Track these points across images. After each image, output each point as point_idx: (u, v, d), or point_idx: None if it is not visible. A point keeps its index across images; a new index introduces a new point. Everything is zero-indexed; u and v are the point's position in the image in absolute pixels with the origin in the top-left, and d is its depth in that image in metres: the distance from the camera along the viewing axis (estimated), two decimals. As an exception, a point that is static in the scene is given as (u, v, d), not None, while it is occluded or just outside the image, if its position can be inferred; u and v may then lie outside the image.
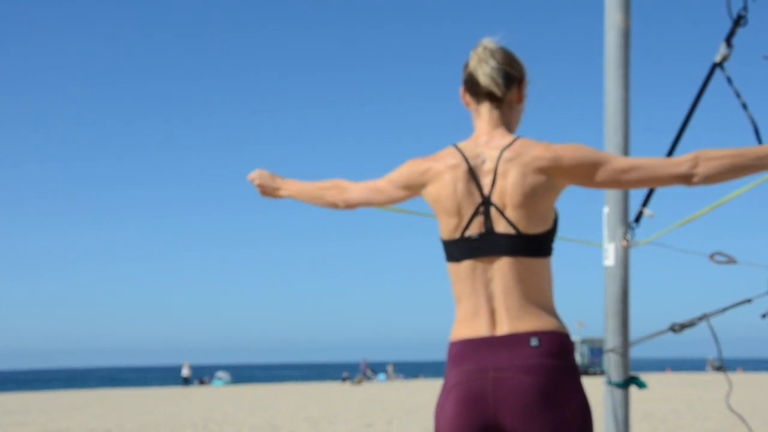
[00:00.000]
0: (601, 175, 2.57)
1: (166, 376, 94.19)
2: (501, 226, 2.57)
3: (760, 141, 3.85)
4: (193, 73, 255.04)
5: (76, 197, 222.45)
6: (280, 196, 3.12)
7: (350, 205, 2.93)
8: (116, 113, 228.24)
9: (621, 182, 2.57)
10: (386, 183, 2.83)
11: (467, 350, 2.57)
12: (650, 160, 2.57)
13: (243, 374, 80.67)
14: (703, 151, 2.53)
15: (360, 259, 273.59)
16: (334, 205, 2.96)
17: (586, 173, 2.59)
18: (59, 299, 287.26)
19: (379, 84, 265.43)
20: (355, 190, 2.90)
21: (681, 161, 2.53)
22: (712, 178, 2.50)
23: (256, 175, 3.14)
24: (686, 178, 2.52)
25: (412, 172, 2.74)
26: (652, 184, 2.57)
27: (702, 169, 2.51)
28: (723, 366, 4.34)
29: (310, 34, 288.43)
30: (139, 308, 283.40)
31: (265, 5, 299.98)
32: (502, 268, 2.56)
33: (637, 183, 2.56)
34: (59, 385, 66.58)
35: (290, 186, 3.10)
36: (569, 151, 2.59)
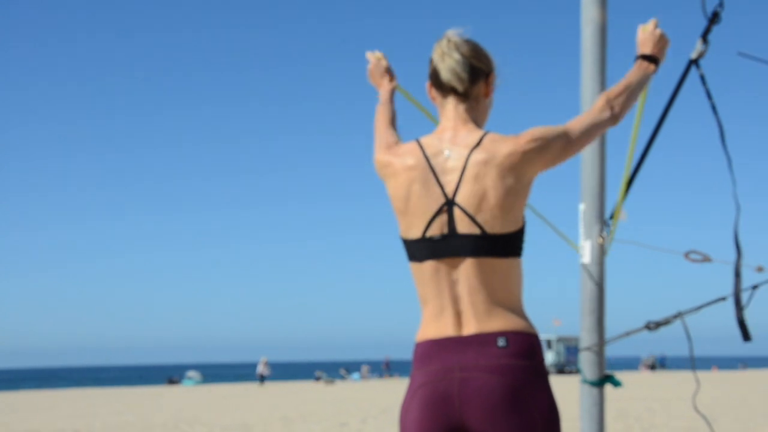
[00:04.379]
0: (565, 147, 2.57)
1: (148, 375, 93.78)
2: (465, 227, 2.49)
3: (724, 144, 3.85)
4: (193, 72, 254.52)
5: (77, 197, 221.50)
6: (380, 89, 3.09)
7: None
8: (116, 112, 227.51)
9: (575, 148, 2.61)
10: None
11: (433, 351, 2.51)
12: (584, 118, 2.65)
13: (213, 373, 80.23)
14: (606, 93, 2.69)
15: (338, 257, 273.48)
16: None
17: (556, 154, 2.56)
18: (58, 299, 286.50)
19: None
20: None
21: (603, 107, 2.66)
22: (624, 113, 2.69)
23: (378, 58, 3.13)
24: (613, 120, 2.67)
25: (379, 162, 2.70)
26: (593, 137, 2.66)
27: (618, 109, 2.67)
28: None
29: (309, 32, 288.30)
30: (131, 307, 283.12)
31: (265, 4, 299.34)
32: (467, 269, 2.49)
33: (585, 142, 2.63)
34: (31, 384, 66.05)
35: (386, 95, 3.05)
36: (534, 140, 2.53)
